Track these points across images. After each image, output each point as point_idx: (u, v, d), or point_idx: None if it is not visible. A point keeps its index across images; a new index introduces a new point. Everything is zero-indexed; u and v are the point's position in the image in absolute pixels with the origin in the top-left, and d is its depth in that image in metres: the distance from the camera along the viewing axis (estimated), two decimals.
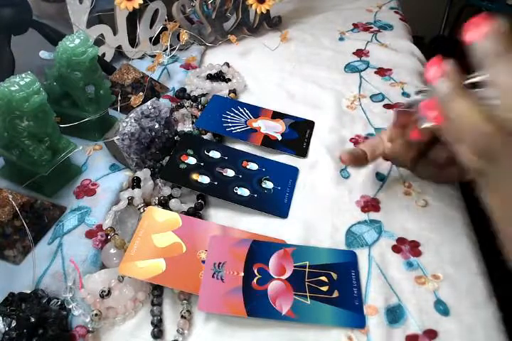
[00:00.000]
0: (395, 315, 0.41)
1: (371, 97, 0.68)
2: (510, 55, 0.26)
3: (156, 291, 0.43)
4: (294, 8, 0.94)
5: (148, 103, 0.54)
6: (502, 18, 0.27)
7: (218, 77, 0.70)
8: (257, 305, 0.41)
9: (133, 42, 0.72)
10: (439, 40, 1.77)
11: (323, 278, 0.43)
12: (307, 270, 0.44)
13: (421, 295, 0.43)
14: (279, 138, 0.60)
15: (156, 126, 0.54)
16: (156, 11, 0.73)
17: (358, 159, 0.47)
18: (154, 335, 0.40)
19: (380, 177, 0.54)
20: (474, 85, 0.31)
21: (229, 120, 0.61)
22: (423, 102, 0.33)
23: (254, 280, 0.42)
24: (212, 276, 0.42)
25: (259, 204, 0.51)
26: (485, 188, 0.30)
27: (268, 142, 0.59)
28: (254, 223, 0.49)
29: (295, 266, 0.44)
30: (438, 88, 0.30)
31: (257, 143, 0.59)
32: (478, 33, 0.27)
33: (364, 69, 0.74)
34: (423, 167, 0.48)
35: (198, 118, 0.61)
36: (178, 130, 0.59)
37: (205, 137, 0.60)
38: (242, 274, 0.43)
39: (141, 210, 0.48)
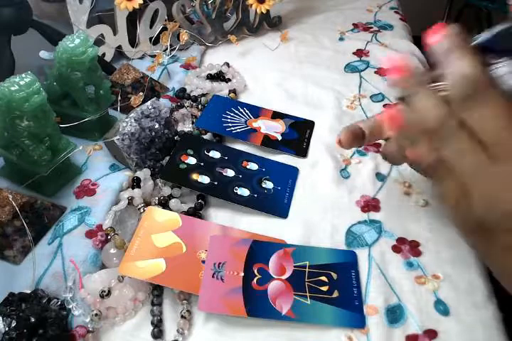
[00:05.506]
0: (395, 315, 0.41)
1: (371, 97, 0.68)
2: (461, 50, 0.31)
3: (156, 291, 0.43)
4: (294, 8, 0.94)
5: (148, 103, 0.54)
6: (455, 25, 0.32)
7: (218, 77, 0.70)
8: (257, 305, 0.41)
9: (133, 42, 0.72)
10: None
11: (323, 278, 0.43)
12: (307, 270, 0.44)
13: (421, 295, 0.43)
14: (279, 138, 0.60)
15: (156, 126, 0.54)
16: (156, 11, 0.73)
17: (357, 139, 0.44)
18: (154, 335, 0.40)
19: (380, 178, 0.54)
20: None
21: (229, 120, 0.61)
22: (386, 112, 0.37)
23: (254, 280, 0.42)
24: (212, 276, 0.42)
25: (259, 204, 0.51)
26: (441, 179, 0.33)
27: (268, 142, 0.59)
28: (254, 223, 0.49)
29: (295, 266, 0.44)
30: (402, 83, 0.34)
31: (257, 143, 0.59)
32: (437, 36, 0.32)
33: (364, 69, 0.74)
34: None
35: (198, 118, 0.61)
36: (178, 130, 0.59)
37: (205, 137, 0.60)
38: (242, 274, 0.43)
39: (141, 210, 0.48)
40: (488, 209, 0.30)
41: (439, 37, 0.32)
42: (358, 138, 0.43)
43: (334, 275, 0.44)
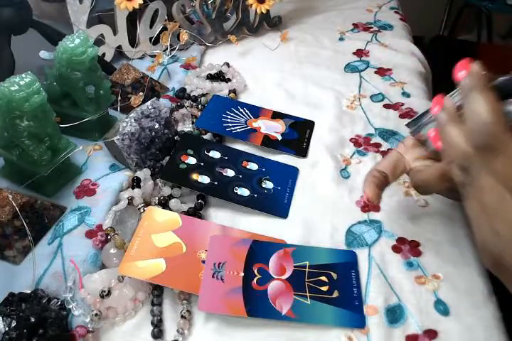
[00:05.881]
0: (394, 315, 0.41)
1: (371, 97, 0.68)
2: (480, 89, 0.33)
3: (156, 291, 0.43)
4: (294, 8, 0.94)
5: (148, 103, 0.54)
6: (479, 63, 0.34)
7: (218, 77, 0.70)
8: (257, 305, 0.41)
9: (133, 42, 0.72)
10: (438, 40, 1.77)
11: (323, 278, 0.43)
12: (307, 270, 0.44)
13: (421, 295, 0.43)
14: (279, 138, 0.60)
15: (156, 126, 0.54)
16: (156, 11, 0.73)
17: (382, 187, 0.43)
18: (154, 335, 0.40)
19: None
20: None
21: (229, 120, 0.61)
22: (430, 132, 0.40)
23: (254, 280, 0.42)
24: (212, 276, 0.42)
25: (259, 204, 0.51)
26: (466, 197, 0.35)
27: (268, 142, 0.59)
28: (254, 223, 0.49)
29: (295, 266, 0.44)
30: (439, 118, 0.37)
31: (257, 143, 0.59)
32: (463, 73, 0.35)
33: (364, 69, 0.74)
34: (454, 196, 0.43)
35: (198, 118, 0.61)
36: (178, 130, 0.59)
37: (205, 137, 0.60)
38: (242, 274, 0.43)
39: (141, 210, 0.48)
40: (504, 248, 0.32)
41: (464, 73, 0.34)
42: (382, 185, 0.43)
43: (334, 275, 0.44)
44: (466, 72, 0.34)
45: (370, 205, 0.51)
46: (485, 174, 0.32)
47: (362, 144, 0.60)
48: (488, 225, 0.32)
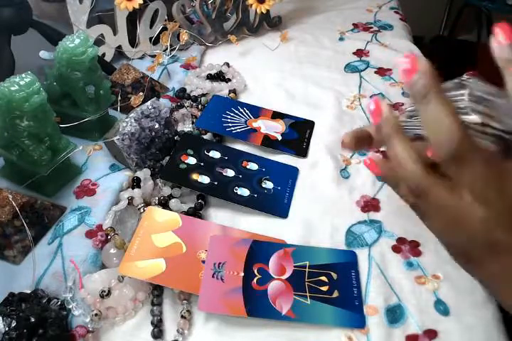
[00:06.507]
0: (394, 315, 0.41)
1: (371, 97, 0.68)
2: (438, 97, 0.28)
3: (156, 291, 0.43)
4: (294, 8, 0.94)
5: (148, 103, 0.54)
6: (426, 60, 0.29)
7: (218, 77, 0.70)
8: (257, 305, 0.41)
9: (133, 42, 0.72)
10: (438, 40, 1.77)
11: (323, 278, 0.43)
12: (307, 270, 0.44)
13: (421, 295, 0.43)
14: (279, 138, 0.60)
15: (156, 126, 0.54)
16: (156, 11, 0.73)
17: (361, 142, 0.41)
18: (154, 335, 0.40)
19: (380, 178, 0.54)
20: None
21: (229, 120, 0.61)
22: (365, 160, 0.36)
23: (254, 280, 0.42)
24: (212, 276, 0.42)
25: (259, 204, 0.51)
26: (423, 218, 0.33)
27: (268, 142, 0.59)
28: (254, 223, 0.49)
29: (295, 266, 0.44)
30: (381, 128, 0.32)
31: (257, 143, 0.59)
32: (410, 72, 0.29)
33: (364, 69, 0.74)
34: None
35: (198, 118, 0.61)
36: (178, 130, 0.59)
37: (205, 137, 0.60)
38: (242, 274, 0.43)
39: (141, 210, 0.48)
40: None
41: (413, 75, 0.29)
42: (363, 139, 0.40)
43: (334, 275, 0.44)
44: (415, 73, 0.28)
45: (369, 205, 0.51)
46: (446, 188, 0.29)
47: None
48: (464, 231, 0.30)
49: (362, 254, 0.46)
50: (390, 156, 0.32)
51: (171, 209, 0.49)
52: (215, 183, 0.52)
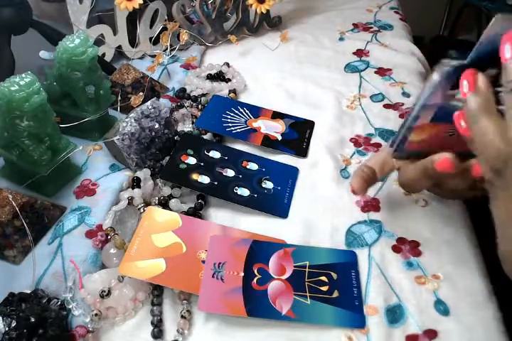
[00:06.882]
0: (394, 315, 0.41)
1: (371, 97, 0.68)
2: (489, 115, 0.31)
3: (156, 291, 0.43)
4: (294, 8, 0.94)
5: (148, 103, 0.54)
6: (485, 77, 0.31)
7: (218, 77, 0.70)
8: (257, 305, 0.41)
9: (133, 42, 0.72)
10: (438, 40, 1.77)
11: (323, 278, 0.43)
12: (307, 270, 0.44)
13: (421, 295, 0.43)
14: (279, 138, 0.60)
15: (156, 126, 0.54)
16: (156, 11, 0.73)
17: (369, 182, 0.44)
18: (154, 335, 0.40)
19: (380, 178, 0.54)
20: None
21: (229, 120, 0.61)
22: (456, 113, 0.35)
23: (254, 280, 0.42)
24: (212, 276, 0.42)
25: (259, 204, 0.51)
26: (493, 199, 0.33)
27: (268, 142, 0.59)
28: (254, 223, 0.49)
29: (295, 266, 0.44)
30: (468, 103, 0.32)
31: (257, 143, 0.59)
32: (468, 89, 0.32)
33: (364, 69, 0.74)
34: (441, 192, 0.45)
35: (198, 118, 0.61)
36: (178, 130, 0.59)
37: (205, 137, 0.60)
38: (242, 274, 0.43)
39: (141, 210, 0.48)
40: None
41: (470, 92, 0.31)
42: (370, 180, 0.43)
43: (334, 275, 0.44)
44: (472, 91, 0.31)
45: (369, 205, 0.51)
46: None
47: (362, 144, 0.60)
48: None
49: (362, 254, 0.46)
50: (475, 134, 0.32)
51: (171, 209, 0.49)
52: (215, 183, 0.52)
